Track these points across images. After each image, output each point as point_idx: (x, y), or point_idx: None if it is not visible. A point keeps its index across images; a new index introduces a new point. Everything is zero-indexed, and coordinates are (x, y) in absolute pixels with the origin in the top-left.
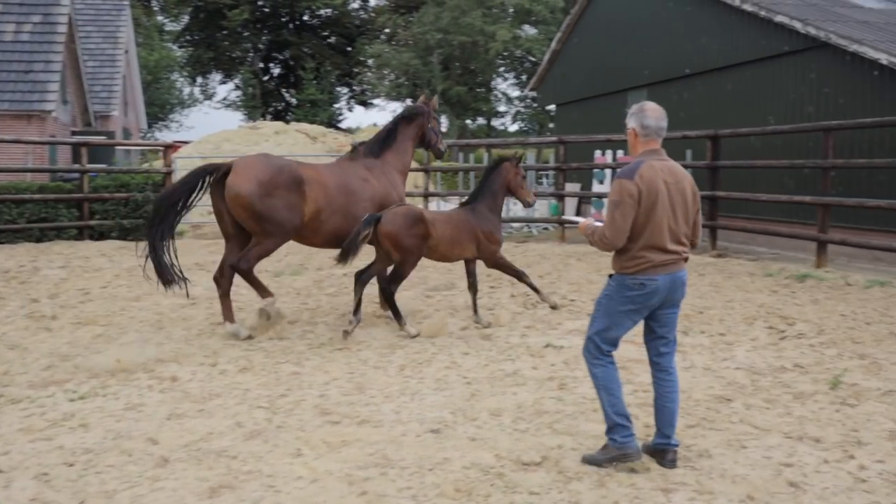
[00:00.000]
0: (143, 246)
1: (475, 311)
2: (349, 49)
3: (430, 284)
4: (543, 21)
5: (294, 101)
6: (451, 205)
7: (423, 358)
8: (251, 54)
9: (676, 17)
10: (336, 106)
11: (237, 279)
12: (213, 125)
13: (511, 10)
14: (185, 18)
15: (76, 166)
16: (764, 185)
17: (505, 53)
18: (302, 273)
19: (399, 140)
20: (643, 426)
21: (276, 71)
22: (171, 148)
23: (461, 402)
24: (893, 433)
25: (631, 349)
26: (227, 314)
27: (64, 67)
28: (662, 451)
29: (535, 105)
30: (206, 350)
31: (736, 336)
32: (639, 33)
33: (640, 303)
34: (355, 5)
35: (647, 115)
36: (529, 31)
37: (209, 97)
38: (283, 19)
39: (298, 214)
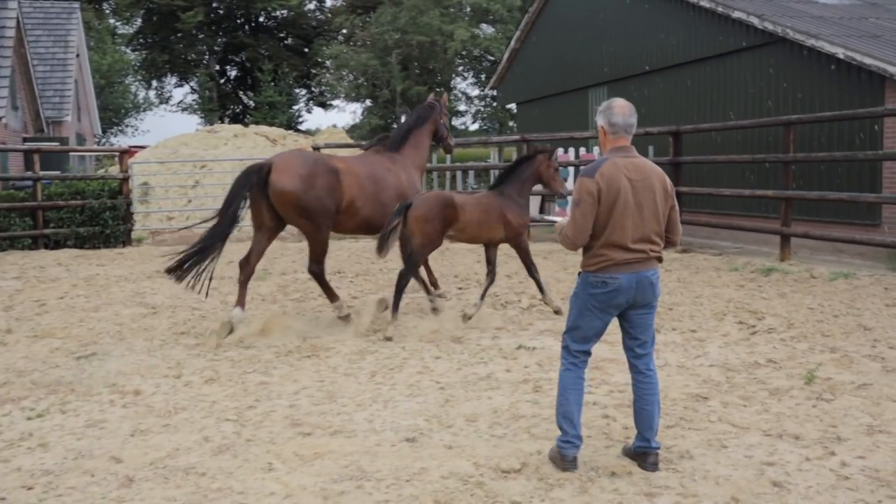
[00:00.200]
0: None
1: (482, 298)
2: (306, 50)
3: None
4: (501, 20)
5: (252, 103)
6: None
7: (393, 363)
8: (207, 57)
9: (635, 15)
10: (295, 108)
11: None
12: (169, 129)
13: (468, 9)
14: (138, 21)
15: (29, 174)
16: (726, 179)
17: (463, 53)
18: (266, 278)
19: (416, 136)
20: (622, 427)
21: (233, 73)
22: (127, 153)
23: (435, 408)
24: (871, 428)
25: (604, 349)
26: (240, 300)
27: (13, 72)
28: (643, 455)
29: (494, 104)
30: (170, 361)
31: (707, 332)
32: (598, 31)
33: (604, 301)
34: (311, 6)
35: (615, 112)
36: (487, 30)
37: (165, 101)
38: (239, 21)
39: (336, 203)
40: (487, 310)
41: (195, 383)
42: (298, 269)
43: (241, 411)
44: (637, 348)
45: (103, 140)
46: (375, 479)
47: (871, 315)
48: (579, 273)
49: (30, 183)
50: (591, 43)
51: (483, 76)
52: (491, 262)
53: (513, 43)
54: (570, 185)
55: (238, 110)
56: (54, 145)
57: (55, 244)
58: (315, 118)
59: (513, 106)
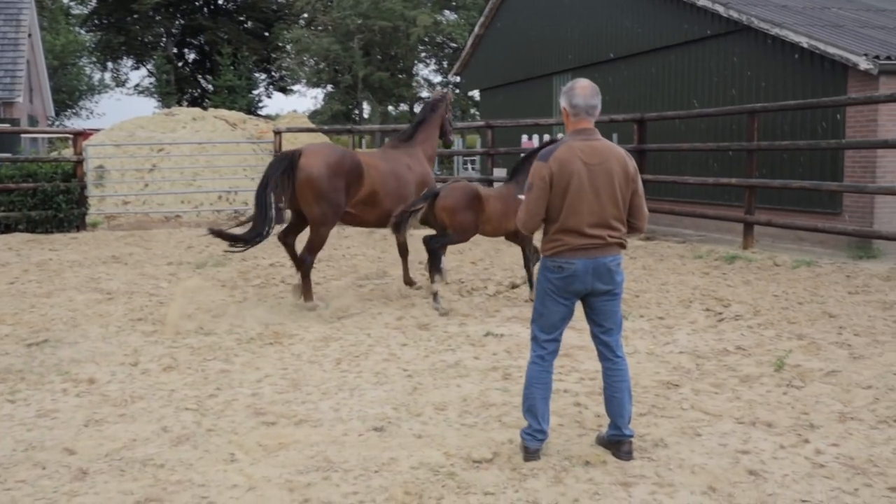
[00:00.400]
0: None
1: (531, 285)
2: (267, 34)
3: (361, 273)
4: (464, 6)
5: (211, 87)
6: None
7: (359, 350)
8: (164, 39)
9: (600, 2)
10: (255, 92)
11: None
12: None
13: None
14: (93, 1)
15: None
16: (689, 167)
17: (426, 39)
18: (226, 264)
19: (427, 128)
20: (594, 415)
21: (192, 56)
22: (81, 135)
23: (403, 396)
24: (843, 415)
25: (573, 336)
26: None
27: None
28: (617, 443)
29: (457, 91)
30: (126, 348)
31: (675, 319)
32: (562, 17)
33: (561, 287)
34: None
35: (576, 93)
36: (450, 16)
37: (121, 84)
38: (198, 3)
39: (347, 199)
40: (453, 297)
41: (153, 371)
42: (259, 254)
43: (201, 400)
44: (602, 335)
45: (57, 123)
46: (343, 469)
47: (834, 302)
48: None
49: None
50: (556, 30)
51: (445, 63)
52: (528, 247)
53: (477, 29)
54: None
55: (196, 94)
56: (5, 126)
57: (6, 228)
58: (275, 103)
59: (475, 93)
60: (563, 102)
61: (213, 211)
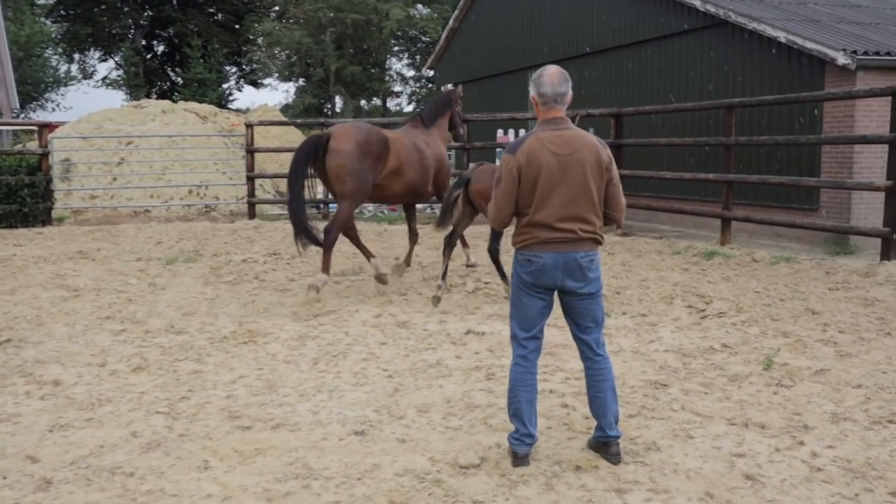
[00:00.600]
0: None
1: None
2: (237, 26)
3: (337, 269)
4: (437, 0)
5: (180, 80)
6: None
7: (337, 350)
8: (132, 31)
9: None
10: (225, 86)
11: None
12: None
13: None
14: None
15: None
16: (666, 162)
17: (399, 33)
18: (197, 260)
19: (441, 118)
20: (583, 417)
21: (161, 49)
22: (47, 127)
23: (384, 398)
24: (836, 415)
25: (556, 334)
26: (325, 267)
27: None
28: (604, 445)
29: (430, 85)
30: (94, 348)
31: (658, 316)
32: (538, 11)
33: (530, 281)
34: None
35: (544, 81)
36: (423, 10)
37: (88, 76)
38: None
39: (376, 174)
40: (432, 293)
41: (121, 372)
42: (231, 250)
43: (172, 403)
44: (581, 334)
45: (22, 115)
46: (323, 477)
47: (816, 299)
48: None
49: None
50: (531, 23)
51: (418, 57)
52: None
53: (451, 22)
54: None
55: (166, 87)
56: None
57: None
58: (246, 96)
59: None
60: (531, 91)
61: (184, 206)
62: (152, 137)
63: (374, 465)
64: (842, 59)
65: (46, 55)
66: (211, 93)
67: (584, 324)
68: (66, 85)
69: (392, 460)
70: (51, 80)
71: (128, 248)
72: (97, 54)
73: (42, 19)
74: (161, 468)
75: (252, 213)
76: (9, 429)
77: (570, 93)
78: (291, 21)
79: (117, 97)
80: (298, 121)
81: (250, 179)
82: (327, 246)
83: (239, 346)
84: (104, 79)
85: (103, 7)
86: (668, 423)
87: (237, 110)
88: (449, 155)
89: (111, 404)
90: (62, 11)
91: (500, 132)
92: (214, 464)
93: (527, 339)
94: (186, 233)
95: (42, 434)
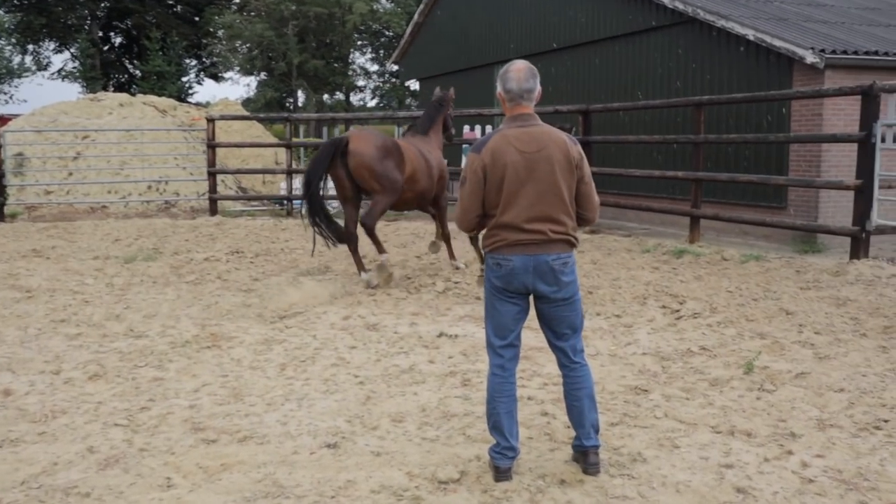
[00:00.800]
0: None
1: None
2: (197, 19)
3: (302, 268)
4: None
5: (138, 73)
6: None
7: (305, 354)
8: (88, 22)
9: None
10: (185, 79)
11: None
12: (48, 98)
13: None
14: None
15: None
16: (633, 160)
17: (362, 27)
18: (157, 258)
19: (435, 123)
20: (564, 426)
21: (118, 41)
22: None
23: (356, 406)
24: (821, 422)
25: (531, 336)
26: (359, 265)
27: None
28: (582, 454)
29: (394, 80)
30: (47, 354)
31: (632, 317)
32: (504, 6)
33: (502, 286)
34: None
35: (510, 77)
36: (387, 4)
37: (42, 67)
38: None
39: (403, 174)
40: (400, 294)
41: (77, 380)
42: (192, 248)
43: (132, 414)
44: (556, 341)
45: None
46: (295, 495)
47: (789, 298)
48: None
49: None
50: (498, 18)
51: (382, 52)
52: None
53: (416, 17)
54: None
55: (123, 80)
56: None
57: None
58: (207, 90)
59: (412, 83)
60: (498, 87)
61: (143, 202)
62: (110, 131)
63: (349, 482)
64: (810, 58)
65: None
66: (170, 86)
67: (560, 331)
68: (19, 77)
69: (367, 476)
70: (4, 71)
71: (84, 246)
72: (52, 45)
73: None
74: (120, 487)
75: (213, 210)
76: None
77: (539, 88)
78: (253, 14)
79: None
80: (261, 115)
81: (212, 175)
82: (369, 232)
83: (202, 350)
84: (59, 71)
85: None
86: (651, 431)
87: (197, 104)
88: None
89: (66, 416)
90: (16, 1)
91: (466, 128)
92: (178, 481)
93: (503, 348)
94: (146, 230)
95: None
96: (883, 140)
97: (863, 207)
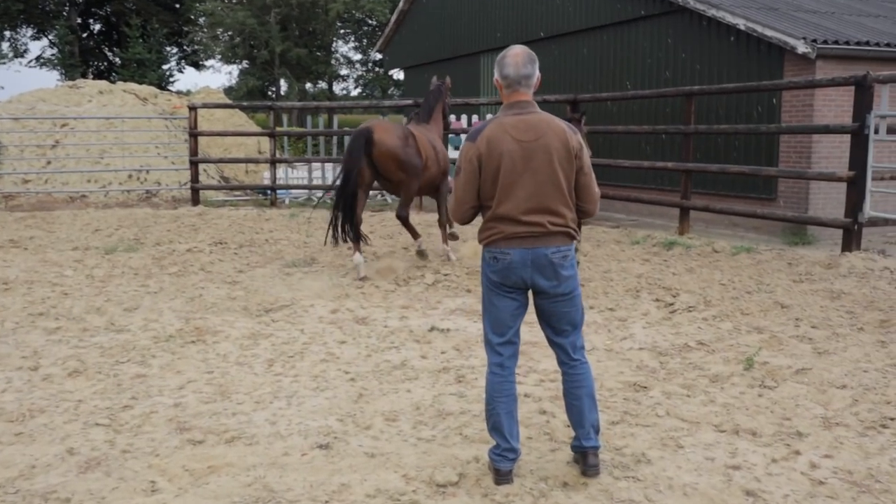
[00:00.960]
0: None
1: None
2: (178, 6)
3: (288, 260)
4: None
5: (118, 60)
6: (299, 172)
7: (293, 349)
8: (67, 8)
9: None
10: (165, 67)
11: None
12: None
13: None
14: None
15: None
16: (622, 150)
17: (345, 15)
18: (138, 249)
19: (436, 111)
20: (564, 425)
21: (97, 27)
22: None
23: (348, 404)
24: (827, 420)
25: (524, 330)
26: (357, 247)
27: None
28: (582, 455)
29: (378, 69)
30: (25, 349)
31: (626, 311)
32: None
33: (499, 280)
34: None
35: (507, 62)
36: None
37: (20, 54)
38: None
39: (422, 161)
40: (389, 286)
41: (56, 377)
42: (174, 238)
43: (114, 413)
44: (555, 337)
45: None
46: (287, 500)
47: (783, 291)
48: None
49: None
50: (484, 7)
51: (365, 40)
52: None
53: (401, 4)
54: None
55: (103, 67)
56: None
57: None
58: (188, 78)
59: (395, 72)
60: (495, 74)
61: (123, 191)
62: (89, 119)
63: (343, 485)
64: (802, 48)
65: None
66: (151, 74)
67: (560, 327)
68: None
69: (362, 478)
70: None
71: (63, 237)
72: (30, 32)
73: None
74: (102, 492)
75: (196, 200)
76: None
77: (538, 74)
78: (234, 1)
79: (51, 77)
80: (244, 104)
81: (194, 164)
82: (403, 222)
83: (186, 345)
84: (38, 58)
85: None
86: (654, 430)
87: (178, 92)
88: None
89: (44, 415)
90: None
91: (452, 117)
92: (163, 485)
93: (502, 345)
94: (126, 220)
95: None
96: (876, 131)
97: (855, 199)
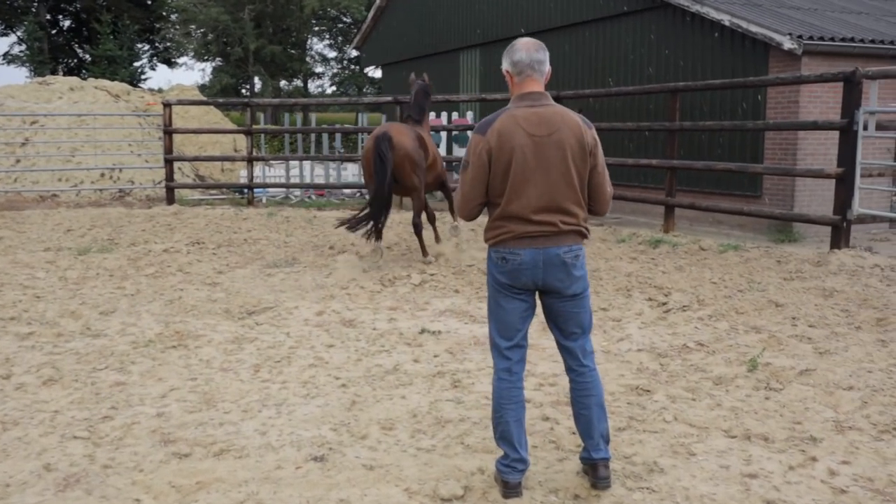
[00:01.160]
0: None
1: None
2: (150, 2)
3: (269, 260)
4: None
5: (88, 57)
6: (276, 171)
7: (279, 354)
8: (36, 3)
9: None
10: (137, 64)
11: None
12: None
13: None
14: None
15: None
16: (605, 148)
17: (320, 12)
18: (113, 250)
19: (426, 110)
20: (569, 432)
21: (67, 24)
22: None
23: (341, 412)
24: (838, 424)
25: None
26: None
27: None
28: (591, 467)
29: (354, 66)
30: None
31: (620, 311)
32: None
33: (508, 282)
34: None
35: (517, 48)
36: None
37: None
38: None
39: (427, 161)
40: (375, 286)
41: (30, 386)
42: (150, 238)
43: (93, 424)
44: (564, 340)
45: None
46: None
47: (775, 290)
48: None
49: None
50: (464, 3)
51: (340, 38)
52: None
53: (378, 0)
54: (442, 150)
55: (73, 64)
56: None
57: None
58: (161, 76)
59: (371, 70)
60: (504, 65)
61: (96, 190)
62: (60, 116)
63: (341, 501)
64: (788, 44)
65: None
66: (122, 71)
67: (569, 329)
68: None
69: (361, 493)
70: None
71: (34, 237)
72: None
73: None
74: None
75: (171, 199)
76: None
77: (548, 63)
78: None
79: (20, 74)
80: (220, 100)
81: (168, 162)
82: (418, 234)
83: (167, 350)
84: (6, 54)
85: None
86: (662, 437)
87: (150, 90)
88: None
89: (18, 428)
90: None
91: (432, 115)
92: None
93: (510, 349)
94: (99, 219)
95: None
96: (865, 128)
97: (844, 196)
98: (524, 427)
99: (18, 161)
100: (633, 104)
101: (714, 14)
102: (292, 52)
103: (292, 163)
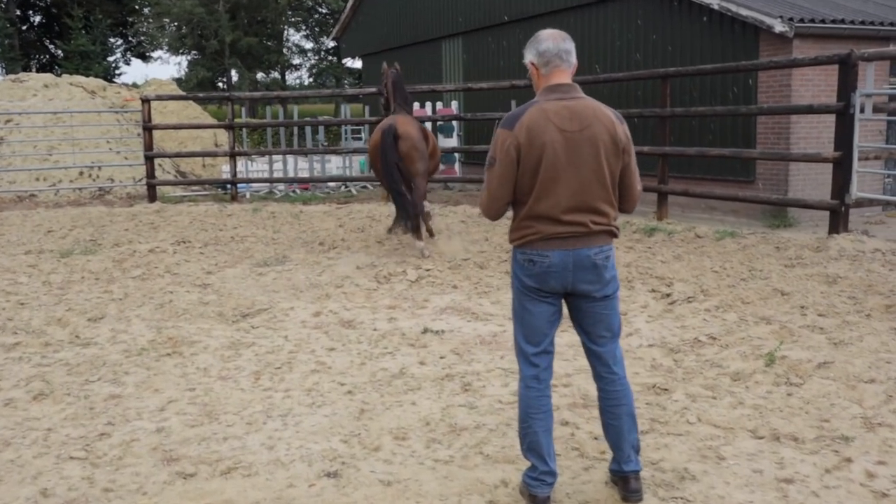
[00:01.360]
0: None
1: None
2: None
3: (258, 258)
4: None
5: (61, 53)
6: (258, 165)
7: (279, 359)
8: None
9: None
10: (111, 59)
11: None
12: None
13: None
14: None
15: None
16: None
17: (296, 3)
18: (96, 251)
19: (409, 100)
20: (591, 438)
21: (38, 19)
22: None
23: (350, 422)
24: (868, 420)
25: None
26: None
27: None
28: (621, 480)
29: (332, 57)
30: None
31: (624, 303)
32: None
33: (535, 285)
34: None
35: (543, 38)
36: None
37: None
38: None
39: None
40: (371, 283)
41: (19, 401)
42: (134, 238)
43: (89, 443)
44: (592, 344)
45: None
46: None
47: (778, 277)
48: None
49: None
50: None
51: (317, 29)
52: None
53: None
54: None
55: (45, 60)
56: None
57: None
58: (135, 70)
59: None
60: (529, 56)
61: (75, 189)
62: (35, 114)
63: None
64: (779, 27)
65: None
66: (96, 66)
67: (598, 332)
68: None
69: None
70: None
71: (13, 240)
72: None
73: None
74: None
75: (152, 196)
76: None
77: (574, 53)
78: None
79: None
80: (201, 95)
81: (149, 159)
82: (421, 219)
83: (161, 359)
84: None
85: None
86: (688, 440)
87: (126, 85)
88: (358, 131)
89: (10, 448)
90: None
91: (416, 105)
92: None
93: (537, 355)
94: (80, 219)
95: None
96: (861, 110)
97: (842, 180)
98: (552, 437)
99: None
100: (622, 91)
101: None
102: (269, 43)
103: (275, 157)
